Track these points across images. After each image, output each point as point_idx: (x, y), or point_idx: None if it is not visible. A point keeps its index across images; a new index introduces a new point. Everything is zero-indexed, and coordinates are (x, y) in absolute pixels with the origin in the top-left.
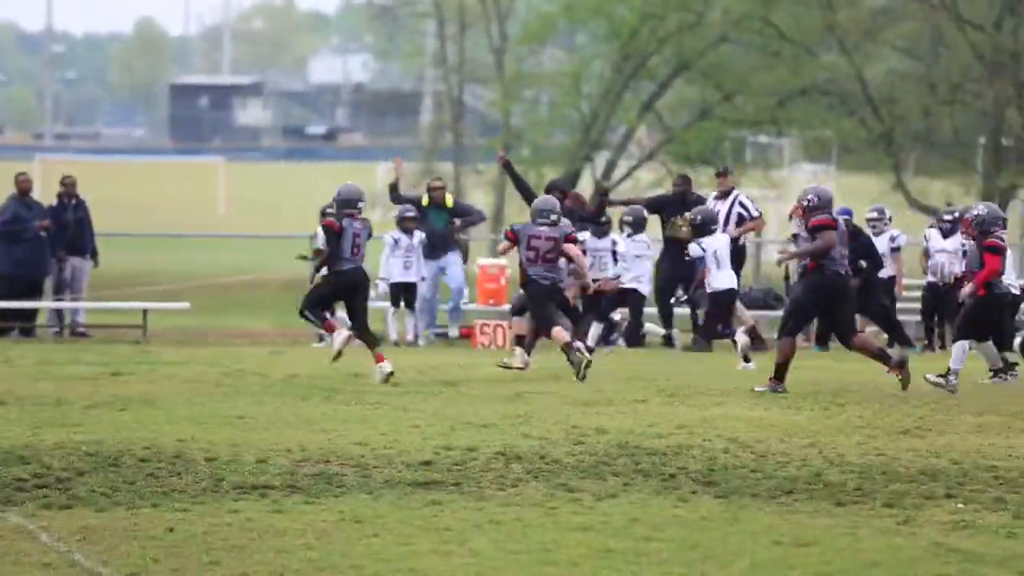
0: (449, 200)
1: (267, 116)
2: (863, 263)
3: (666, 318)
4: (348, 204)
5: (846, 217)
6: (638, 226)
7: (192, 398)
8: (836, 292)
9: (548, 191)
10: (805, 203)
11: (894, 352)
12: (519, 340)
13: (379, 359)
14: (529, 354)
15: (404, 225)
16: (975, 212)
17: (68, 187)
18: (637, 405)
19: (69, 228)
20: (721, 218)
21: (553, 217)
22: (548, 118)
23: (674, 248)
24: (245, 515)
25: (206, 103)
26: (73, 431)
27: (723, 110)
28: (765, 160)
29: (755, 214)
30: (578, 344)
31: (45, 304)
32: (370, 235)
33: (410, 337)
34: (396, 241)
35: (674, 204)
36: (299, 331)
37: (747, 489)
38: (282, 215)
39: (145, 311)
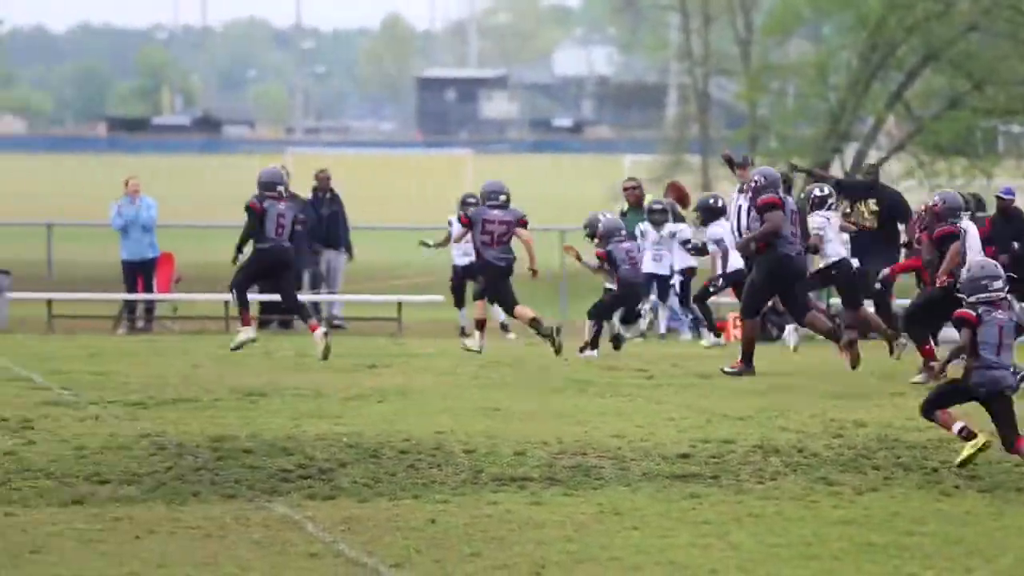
0: (648, 199)
1: (512, 109)
2: (1016, 244)
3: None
4: (268, 187)
5: (1009, 197)
6: (711, 214)
7: (448, 391)
8: (788, 272)
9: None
10: (753, 183)
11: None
12: (479, 324)
13: (313, 328)
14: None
15: (652, 218)
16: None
17: (322, 181)
18: (895, 398)
19: (324, 222)
20: (736, 212)
21: (502, 198)
22: (794, 109)
23: (860, 235)
24: (504, 507)
25: (453, 96)
26: (334, 423)
27: (973, 99)
28: (1018, 149)
29: None
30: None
31: (305, 297)
32: (296, 216)
33: (662, 329)
34: (643, 233)
35: (862, 190)
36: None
37: (1012, 483)
38: (533, 206)
39: (400, 304)
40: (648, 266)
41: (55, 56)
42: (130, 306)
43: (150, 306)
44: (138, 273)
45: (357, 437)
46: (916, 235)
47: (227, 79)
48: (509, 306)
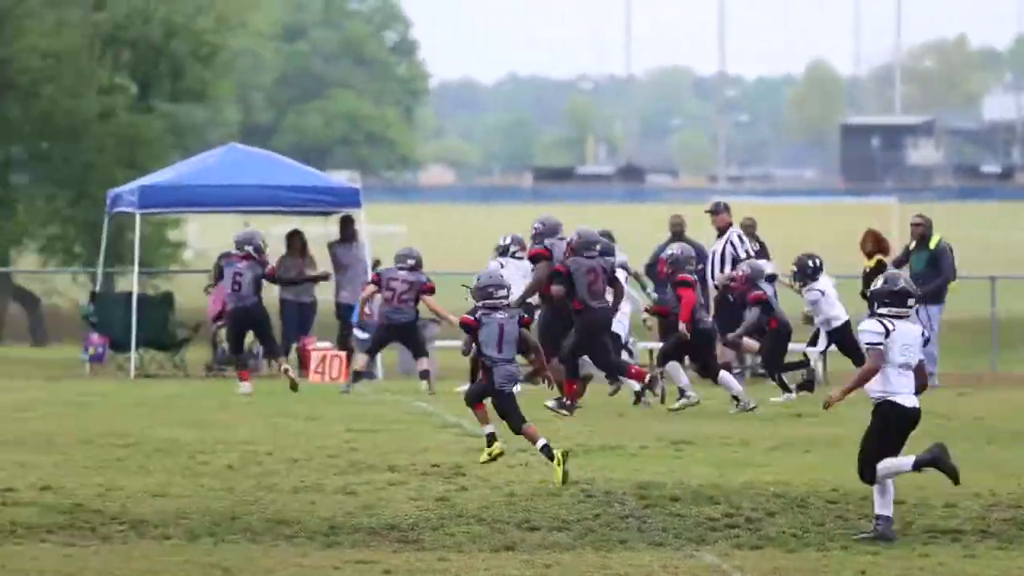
0: (933, 241)
1: (939, 155)
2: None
3: None
4: (237, 246)
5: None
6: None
7: None
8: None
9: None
10: (533, 230)
11: None
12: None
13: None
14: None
15: None
16: (669, 252)
17: (747, 228)
18: None
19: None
20: (717, 258)
21: (411, 263)
22: None
23: None
24: (936, 559)
25: (878, 143)
26: (760, 471)
27: None
28: None
29: (742, 255)
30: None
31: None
32: (256, 275)
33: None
34: None
35: None
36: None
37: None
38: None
39: (824, 353)
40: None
41: (483, 107)
42: None
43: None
44: None
45: (784, 486)
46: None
47: (650, 127)
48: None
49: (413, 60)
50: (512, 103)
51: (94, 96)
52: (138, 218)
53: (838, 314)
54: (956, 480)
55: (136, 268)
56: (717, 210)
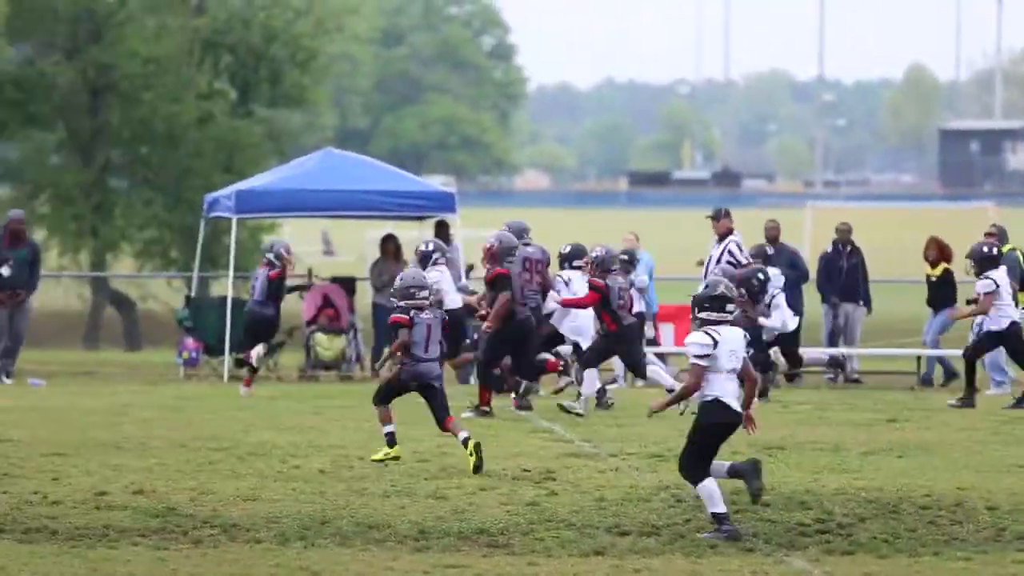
0: (1005, 249)
1: None
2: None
3: None
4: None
5: None
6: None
7: (969, 446)
8: (518, 332)
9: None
10: (487, 246)
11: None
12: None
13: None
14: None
15: None
16: (594, 254)
17: (843, 233)
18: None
19: (843, 274)
20: (712, 264)
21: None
22: None
23: None
24: None
25: (976, 148)
26: (853, 477)
27: None
28: None
29: (743, 262)
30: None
31: (820, 352)
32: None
33: None
34: None
35: None
36: None
37: None
38: None
39: (919, 358)
40: None
41: (579, 112)
42: None
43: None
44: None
45: (876, 492)
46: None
47: (747, 132)
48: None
49: (510, 64)
50: (609, 108)
51: (193, 101)
52: (234, 222)
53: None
54: (755, 499)
55: (231, 272)
56: (718, 216)
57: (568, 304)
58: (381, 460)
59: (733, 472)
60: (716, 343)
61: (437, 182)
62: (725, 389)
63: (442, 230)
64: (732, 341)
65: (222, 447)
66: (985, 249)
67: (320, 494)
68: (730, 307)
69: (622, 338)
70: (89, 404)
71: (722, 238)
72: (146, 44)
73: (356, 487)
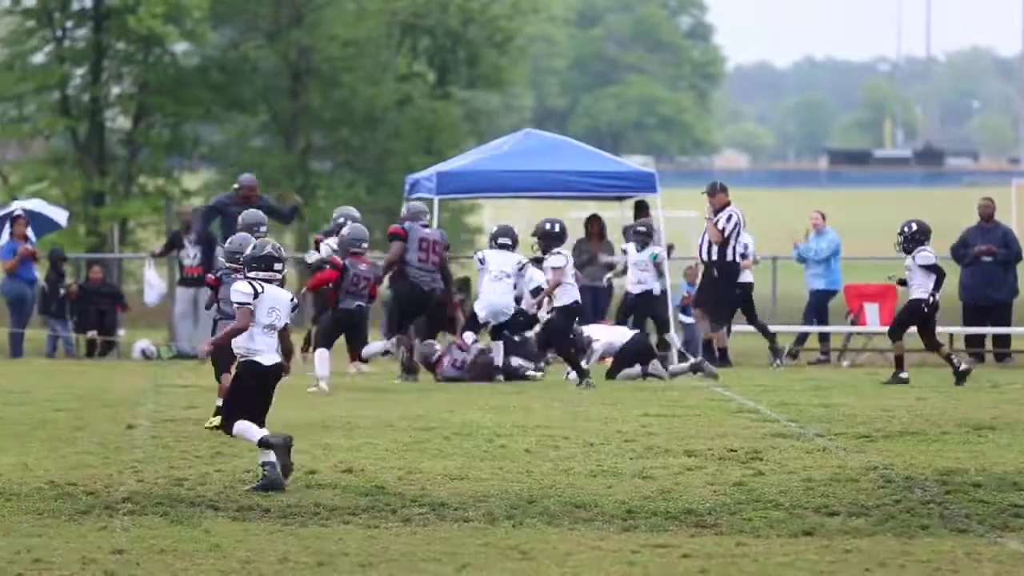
0: None
1: None
2: None
3: None
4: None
5: None
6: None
7: None
8: (414, 299)
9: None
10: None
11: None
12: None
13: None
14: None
15: None
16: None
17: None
18: None
19: None
20: (705, 237)
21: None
22: None
23: None
24: None
25: None
26: None
27: None
28: None
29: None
30: None
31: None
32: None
33: None
34: None
35: None
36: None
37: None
38: None
39: None
40: None
41: (778, 91)
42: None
43: (825, 337)
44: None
45: None
46: None
47: (950, 110)
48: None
49: (709, 44)
50: (808, 86)
51: (392, 83)
52: (436, 203)
53: None
54: (285, 475)
55: None
56: (713, 191)
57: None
58: (212, 428)
59: (264, 443)
60: (256, 294)
61: (636, 162)
62: (259, 343)
63: (641, 210)
64: (275, 299)
65: (429, 426)
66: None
67: (527, 473)
68: (278, 266)
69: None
70: (297, 385)
71: (718, 212)
72: (346, 27)
73: (563, 467)
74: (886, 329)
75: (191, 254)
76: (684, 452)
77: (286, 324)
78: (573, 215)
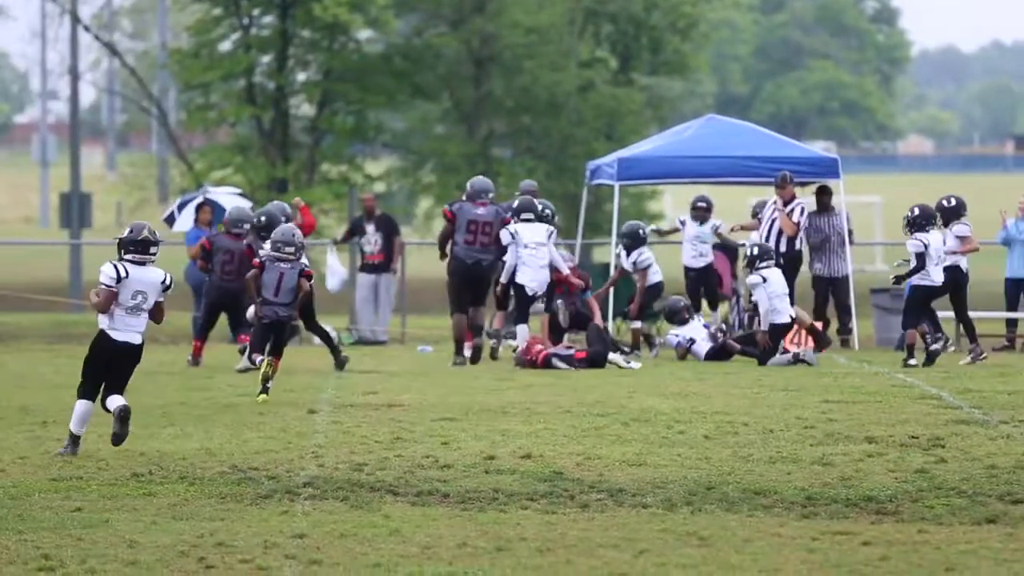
0: None
1: None
2: None
3: None
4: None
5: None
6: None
7: None
8: (460, 273)
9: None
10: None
11: None
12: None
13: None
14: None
15: None
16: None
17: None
18: None
19: None
20: (768, 226)
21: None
22: None
23: None
24: None
25: None
26: None
27: None
28: None
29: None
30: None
31: None
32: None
33: None
34: None
35: None
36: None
37: None
38: None
39: None
40: None
41: (964, 75)
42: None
43: (1012, 323)
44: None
45: None
46: None
47: None
48: None
49: (894, 28)
50: (995, 70)
51: (574, 70)
52: (616, 189)
53: None
54: (114, 443)
55: (613, 239)
56: (784, 183)
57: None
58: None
59: (74, 438)
60: (119, 278)
61: (818, 148)
62: (121, 323)
63: (823, 196)
64: (143, 282)
65: (607, 412)
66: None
67: (705, 459)
68: (153, 250)
69: None
70: (476, 370)
71: (787, 204)
72: (528, 14)
73: (741, 453)
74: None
75: (372, 240)
76: (865, 439)
77: (157, 302)
78: (752, 201)
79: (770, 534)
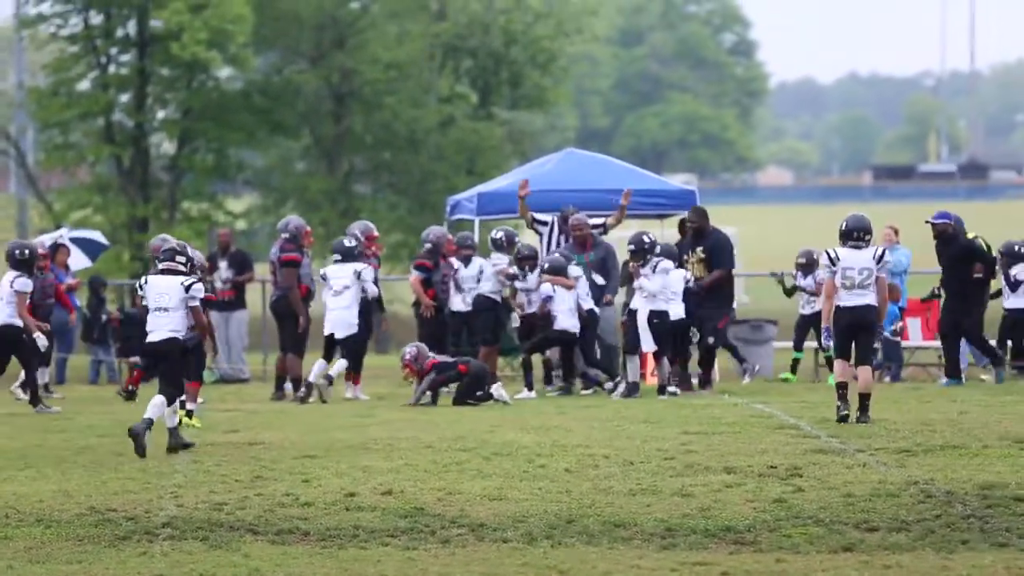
0: None
1: None
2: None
3: None
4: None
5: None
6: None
7: None
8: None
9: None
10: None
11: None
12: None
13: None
14: None
15: None
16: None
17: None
18: None
19: None
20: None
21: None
22: None
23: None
24: None
25: None
26: None
27: None
28: None
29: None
30: None
31: None
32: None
33: None
34: None
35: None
36: None
37: None
38: None
39: None
40: None
41: (822, 107)
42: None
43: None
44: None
45: None
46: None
47: (994, 124)
48: None
49: (752, 61)
50: (852, 102)
51: (434, 105)
52: (477, 224)
53: None
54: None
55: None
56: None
57: None
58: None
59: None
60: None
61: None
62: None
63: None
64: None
65: (468, 447)
66: None
67: (566, 492)
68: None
69: None
70: (337, 408)
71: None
72: (388, 49)
73: (602, 486)
74: (927, 343)
75: (223, 277)
76: (724, 469)
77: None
78: (614, 235)
79: (629, 566)
